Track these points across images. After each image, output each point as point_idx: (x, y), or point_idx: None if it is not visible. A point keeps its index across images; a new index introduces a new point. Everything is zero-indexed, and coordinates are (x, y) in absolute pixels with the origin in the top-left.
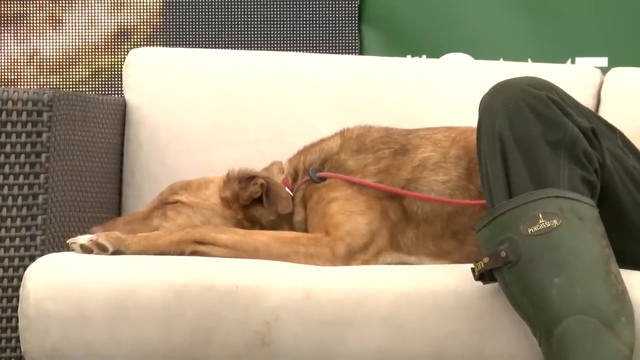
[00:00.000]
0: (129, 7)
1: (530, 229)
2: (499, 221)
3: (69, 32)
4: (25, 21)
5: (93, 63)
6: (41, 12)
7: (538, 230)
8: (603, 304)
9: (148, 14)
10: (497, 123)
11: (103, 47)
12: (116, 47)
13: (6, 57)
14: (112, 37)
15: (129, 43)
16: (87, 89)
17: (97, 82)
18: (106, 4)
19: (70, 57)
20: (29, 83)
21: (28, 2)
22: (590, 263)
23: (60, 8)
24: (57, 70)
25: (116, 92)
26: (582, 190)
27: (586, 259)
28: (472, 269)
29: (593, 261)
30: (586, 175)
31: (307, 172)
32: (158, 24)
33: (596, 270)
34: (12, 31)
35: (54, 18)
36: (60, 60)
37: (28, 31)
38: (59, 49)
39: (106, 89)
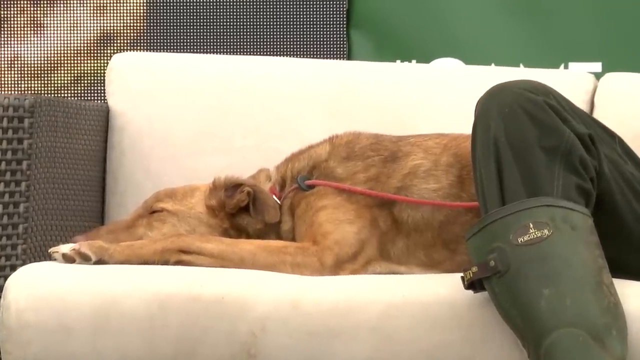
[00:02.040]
0: (112, 11)
1: (520, 238)
2: (489, 229)
3: (50, 37)
4: (5, 25)
5: (75, 68)
6: (22, 16)
7: (528, 240)
8: (593, 316)
9: (131, 18)
10: (492, 127)
11: (85, 51)
12: (99, 51)
13: None
14: (95, 41)
15: (112, 48)
16: (69, 95)
17: (79, 88)
18: (89, 8)
19: (52, 62)
20: (9, 88)
21: (9, 5)
22: (581, 274)
23: (42, 12)
24: (39, 75)
25: (99, 98)
26: (577, 198)
27: (577, 269)
28: (462, 278)
29: (584, 272)
30: (581, 183)
31: (295, 179)
32: (141, 28)
33: (587, 281)
34: None
35: (35, 22)
36: (42, 65)
37: (9, 35)
38: (41, 53)
39: (89, 95)
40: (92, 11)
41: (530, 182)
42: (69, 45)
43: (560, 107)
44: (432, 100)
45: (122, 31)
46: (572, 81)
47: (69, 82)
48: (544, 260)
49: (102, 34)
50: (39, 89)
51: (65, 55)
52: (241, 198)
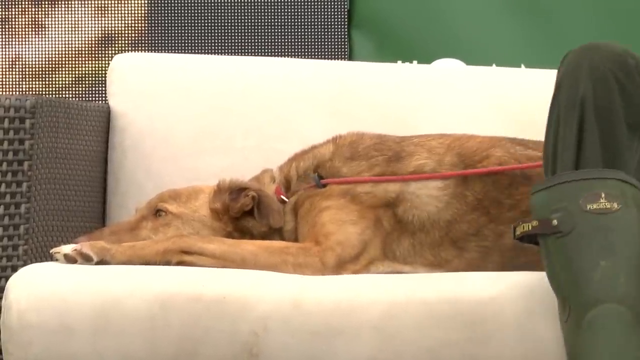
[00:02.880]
0: (113, 12)
1: (590, 205)
2: (560, 189)
3: (52, 37)
4: (7, 26)
5: (77, 69)
6: (23, 16)
7: (597, 208)
8: None
9: (133, 18)
10: (581, 88)
11: (87, 52)
12: (100, 52)
13: None
14: (96, 42)
15: (113, 48)
16: (70, 95)
17: (80, 88)
18: (90, 9)
19: (54, 62)
20: (11, 89)
21: (10, 6)
22: (638, 255)
23: (43, 13)
24: (40, 76)
25: (100, 99)
26: None
27: (636, 249)
28: (514, 227)
29: None
30: None
31: (300, 179)
32: (143, 28)
33: None
34: None
35: (36, 23)
36: (43, 66)
37: (10, 36)
38: (42, 54)
39: (90, 95)
40: (93, 12)
41: (610, 153)
42: (70, 46)
43: None
44: (433, 100)
45: (123, 32)
46: None
47: (70, 82)
48: (607, 232)
49: (103, 35)
50: (41, 89)
51: (67, 56)
52: (245, 202)
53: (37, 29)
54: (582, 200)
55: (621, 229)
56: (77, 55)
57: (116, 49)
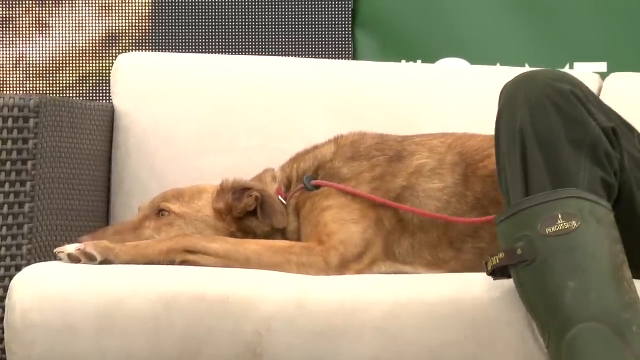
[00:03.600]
0: (117, 12)
1: (548, 229)
2: (518, 218)
3: (56, 37)
4: (11, 25)
5: (81, 68)
6: (27, 16)
7: (556, 230)
8: (616, 311)
9: (137, 18)
10: (518, 118)
11: (91, 52)
12: (104, 52)
13: None
14: (100, 41)
15: (117, 48)
16: (74, 95)
17: (84, 88)
18: (94, 8)
19: (58, 62)
20: (15, 89)
21: (14, 6)
22: (606, 268)
23: (47, 12)
24: (44, 75)
25: (104, 98)
26: (601, 192)
27: (602, 264)
28: (486, 263)
29: (609, 267)
30: (606, 177)
31: (300, 180)
32: (147, 28)
33: (611, 276)
34: None
35: (40, 22)
36: (47, 65)
37: (14, 36)
38: (46, 53)
39: (94, 95)
40: (97, 11)
41: (557, 174)
42: (74, 45)
43: (587, 99)
44: (437, 100)
45: (127, 31)
46: None
47: (74, 82)
48: (571, 253)
49: (107, 34)
50: (44, 89)
51: (71, 55)
52: (249, 203)
53: (41, 29)
54: (540, 226)
55: (584, 247)
56: (81, 55)
57: (120, 48)
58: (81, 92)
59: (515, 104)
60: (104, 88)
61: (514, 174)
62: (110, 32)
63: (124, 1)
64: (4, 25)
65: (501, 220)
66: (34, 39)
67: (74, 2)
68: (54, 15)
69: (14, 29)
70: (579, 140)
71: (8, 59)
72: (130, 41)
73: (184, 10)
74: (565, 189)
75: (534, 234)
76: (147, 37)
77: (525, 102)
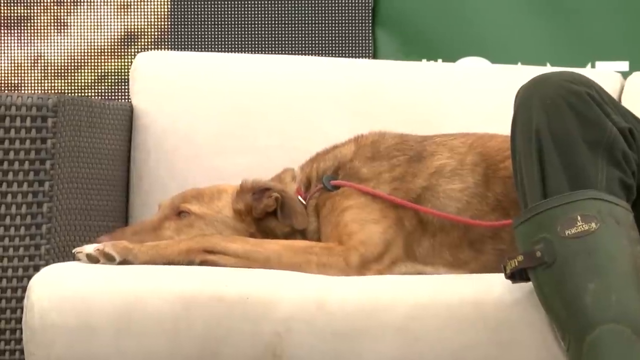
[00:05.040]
0: (136, 10)
1: (567, 231)
2: (536, 220)
3: (74, 35)
4: (29, 24)
5: (99, 67)
6: (46, 14)
7: (575, 232)
8: (637, 313)
9: (155, 17)
10: (534, 119)
11: (109, 50)
12: (123, 50)
13: (10, 61)
14: (119, 40)
15: (135, 47)
16: (92, 94)
17: (103, 87)
18: (113, 7)
19: (76, 61)
20: (33, 88)
21: (32, 4)
22: (625, 270)
23: (66, 11)
24: (62, 74)
25: (123, 97)
26: (619, 193)
27: (622, 265)
28: (504, 266)
29: (628, 268)
30: (624, 177)
31: (320, 180)
32: (166, 27)
33: (631, 277)
34: (16, 34)
35: (58, 21)
36: (66, 64)
37: (32, 34)
38: (64, 52)
39: (112, 94)
40: (116, 10)
41: (574, 175)
42: (92, 44)
43: (602, 99)
44: (458, 99)
45: (146, 30)
46: (599, 80)
47: (92, 81)
48: (590, 254)
49: (126, 33)
50: (63, 88)
51: (89, 54)
52: (268, 203)
53: (59, 27)
54: (559, 228)
55: (603, 248)
56: (99, 54)
57: (139, 47)
58: (99, 91)
59: (531, 106)
60: (123, 87)
61: (530, 176)
62: (129, 30)
63: (142, 0)
64: (22, 24)
65: (519, 223)
66: (52, 37)
67: (92, 0)
68: (72, 14)
69: (32, 28)
70: (596, 141)
71: (26, 58)
72: (149, 40)
73: (202, 9)
74: (583, 191)
75: (553, 236)
76: (166, 36)
77: (540, 104)
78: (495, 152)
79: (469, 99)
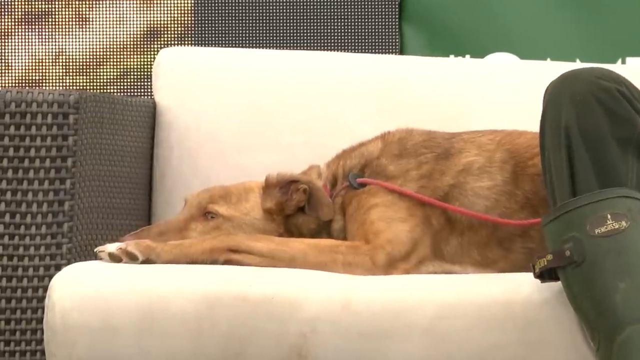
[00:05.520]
0: (159, 5)
1: (597, 229)
2: (565, 218)
3: (96, 31)
4: (50, 19)
5: (121, 63)
6: (67, 9)
7: (605, 231)
8: None
9: (179, 12)
10: (563, 116)
11: (132, 46)
12: (145, 46)
13: (31, 57)
14: (142, 36)
15: (159, 42)
16: (115, 90)
17: (125, 83)
18: (135, 1)
19: (98, 56)
20: (54, 84)
21: None
22: None
23: (87, 6)
24: (84, 70)
25: (146, 94)
26: None
27: None
28: (533, 266)
29: None
30: None
31: (346, 177)
32: (189, 22)
33: None
34: (37, 30)
35: (80, 16)
36: (87, 60)
37: (53, 30)
38: (86, 48)
39: (135, 90)
40: (138, 5)
41: (603, 172)
42: (115, 39)
43: (632, 96)
44: (486, 96)
45: (169, 25)
46: (630, 77)
47: (115, 77)
48: (620, 253)
49: (149, 28)
50: (84, 84)
51: (111, 50)
52: (300, 198)
53: (81, 23)
54: (589, 226)
55: (634, 247)
56: (122, 49)
57: (162, 42)
58: (122, 87)
59: (560, 102)
60: (145, 83)
61: (559, 173)
62: (152, 26)
63: None
64: (44, 19)
65: (548, 222)
66: (74, 33)
67: None
68: (94, 9)
69: (54, 23)
70: (626, 138)
71: (47, 54)
72: (172, 35)
73: (226, 4)
74: (613, 189)
75: (583, 235)
76: (189, 32)
77: (570, 100)
78: (524, 149)
79: (497, 96)
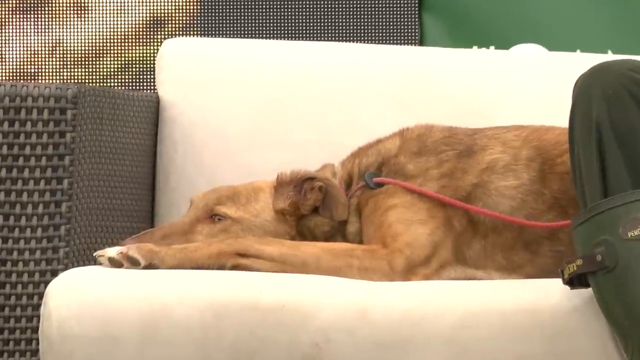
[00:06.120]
0: None
1: (630, 232)
2: (596, 221)
3: (95, 21)
4: (47, 8)
5: (123, 55)
6: None
7: (639, 234)
8: None
9: (183, 0)
10: (594, 110)
11: (134, 37)
12: (148, 37)
13: (26, 48)
14: (144, 25)
15: (162, 33)
16: (116, 84)
17: (127, 76)
18: None
19: (98, 48)
20: (51, 77)
21: None
22: None
23: None
24: (83, 63)
25: (148, 87)
26: None
27: None
28: (562, 271)
29: None
30: None
31: (362, 177)
32: (194, 11)
33: None
34: (33, 20)
35: (78, 5)
36: (86, 51)
37: (50, 19)
38: (85, 39)
39: (137, 84)
40: None
41: (637, 170)
42: (115, 29)
43: None
44: (512, 89)
45: (173, 14)
46: None
47: (115, 70)
48: None
49: (152, 18)
50: (83, 77)
51: (112, 40)
52: (316, 197)
53: (79, 12)
54: (622, 229)
55: None
56: (123, 40)
57: (166, 33)
58: (123, 80)
59: (591, 96)
60: (148, 76)
61: (590, 172)
62: (155, 15)
63: None
64: (40, 8)
65: (578, 224)
66: (72, 22)
67: None
68: None
69: (50, 12)
70: None
71: (44, 45)
72: (177, 25)
73: None
74: None
75: (615, 238)
76: (195, 21)
77: (601, 94)
78: (552, 146)
79: (523, 89)
